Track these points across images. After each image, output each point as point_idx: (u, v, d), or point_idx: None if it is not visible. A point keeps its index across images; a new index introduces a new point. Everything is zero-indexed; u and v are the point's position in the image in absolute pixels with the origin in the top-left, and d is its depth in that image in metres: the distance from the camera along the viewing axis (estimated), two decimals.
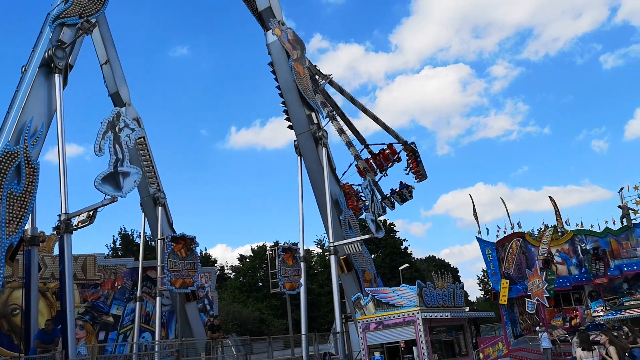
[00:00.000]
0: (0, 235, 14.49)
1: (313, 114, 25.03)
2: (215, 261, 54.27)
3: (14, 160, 15.17)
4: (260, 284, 52.84)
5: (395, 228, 59.06)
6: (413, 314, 20.18)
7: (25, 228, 16.19)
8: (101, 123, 14.95)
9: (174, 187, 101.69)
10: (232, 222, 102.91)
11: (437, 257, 73.14)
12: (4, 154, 15.04)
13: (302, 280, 23.04)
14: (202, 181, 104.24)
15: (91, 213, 15.66)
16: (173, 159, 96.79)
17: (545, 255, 31.78)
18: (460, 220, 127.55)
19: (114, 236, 48.97)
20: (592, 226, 34.54)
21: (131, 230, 48.87)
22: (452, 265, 69.90)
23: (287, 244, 27.65)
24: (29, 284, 16.53)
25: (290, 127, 25.61)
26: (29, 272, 16.70)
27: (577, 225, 35.13)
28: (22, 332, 18.09)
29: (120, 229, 49.15)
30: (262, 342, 22.39)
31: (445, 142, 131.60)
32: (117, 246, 48.01)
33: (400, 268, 46.51)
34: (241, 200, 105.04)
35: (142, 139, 25.78)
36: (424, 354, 19.78)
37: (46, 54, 16.78)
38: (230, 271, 59.71)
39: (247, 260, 57.05)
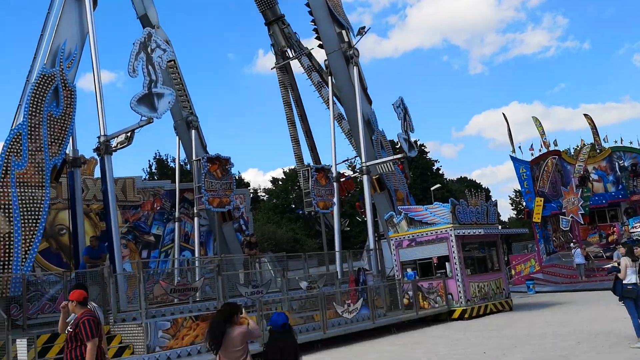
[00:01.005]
0: (44, 156, 14.95)
1: (344, 32, 24.49)
2: (248, 184, 55.22)
3: (51, 83, 15.39)
4: (293, 206, 53.80)
5: (426, 149, 58.78)
6: (446, 231, 20.45)
7: (67, 151, 16.64)
8: (133, 44, 14.95)
9: (204, 111, 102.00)
10: (263, 147, 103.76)
11: (468, 178, 72.93)
12: (41, 76, 15.26)
13: (335, 199, 23.37)
14: (232, 106, 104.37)
15: (129, 134, 15.95)
16: (202, 84, 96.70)
17: (582, 172, 31.43)
18: (492, 141, 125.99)
19: (149, 161, 50.13)
20: (631, 143, 33.81)
21: (165, 155, 49.83)
22: (484, 186, 69.68)
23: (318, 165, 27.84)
24: (74, 203, 17.18)
25: (320, 46, 25.17)
26: (74, 192, 17.32)
27: (615, 142, 34.39)
28: (70, 251, 19.01)
29: (155, 153, 50.16)
30: (297, 260, 23.06)
31: (478, 61, 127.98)
32: (153, 170, 49.13)
33: (432, 189, 46.66)
34: (271, 125, 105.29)
35: (172, 62, 25.70)
36: (456, 269, 20.19)
37: None
38: (264, 194, 60.80)
39: (280, 182, 57.87)
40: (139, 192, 27.40)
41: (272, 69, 31.21)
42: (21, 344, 10.99)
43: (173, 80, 26.18)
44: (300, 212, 30.32)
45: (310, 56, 28.53)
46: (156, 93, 15.10)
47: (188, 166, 36.52)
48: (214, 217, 23.73)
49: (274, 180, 59.38)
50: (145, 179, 44.84)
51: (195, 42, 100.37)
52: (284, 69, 31.07)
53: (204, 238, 27.42)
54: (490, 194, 67.89)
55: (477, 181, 73.33)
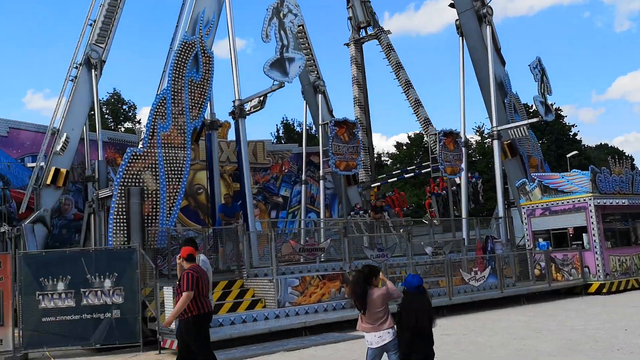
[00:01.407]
0: (185, 119, 15.97)
1: None
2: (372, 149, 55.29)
3: (192, 50, 16.31)
4: (417, 171, 53.14)
5: (562, 113, 55.12)
6: (585, 200, 19.22)
7: (205, 114, 17.61)
8: (267, 9, 15.33)
9: (329, 75, 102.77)
10: (386, 111, 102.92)
11: (609, 145, 67.62)
12: (183, 44, 16.20)
13: (463, 165, 22.76)
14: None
15: (261, 98, 16.54)
16: (324, 49, 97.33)
17: None
18: (638, 105, 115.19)
19: (277, 125, 51.80)
20: None
21: (292, 119, 51.15)
22: (627, 154, 64.29)
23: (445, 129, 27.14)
24: (212, 163, 18.24)
25: (451, 5, 24.25)
26: (211, 154, 18.38)
27: None
28: (208, 209, 20.30)
29: (282, 118, 51.69)
30: (423, 226, 22.87)
31: (625, 17, 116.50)
32: (280, 134, 50.72)
33: (568, 155, 43.83)
34: (394, 89, 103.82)
35: (301, 27, 26.09)
36: (595, 241, 18.97)
37: None
38: (387, 158, 60.63)
39: (404, 147, 57.33)
40: (269, 155, 28.52)
41: (345, 44, 31.23)
42: (167, 291, 12.01)
43: (301, 45, 26.63)
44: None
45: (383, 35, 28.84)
46: (287, 58, 15.45)
47: (314, 130, 37.25)
48: (339, 180, 24.09)
49: (398, 145, 58.92)
50: (273, 142, 46.59)
51: (319, 6, 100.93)
52: (359, 45, 31.00)
53: (329, 201, 28.01)
54: (635, 162, 62.53)
55: (620, 148, 67.83)
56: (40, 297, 11.93)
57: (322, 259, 16.96)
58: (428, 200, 26.35)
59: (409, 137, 57.24)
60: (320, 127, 24.53)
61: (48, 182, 19.60)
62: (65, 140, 19.97)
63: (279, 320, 13.44)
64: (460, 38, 24.37)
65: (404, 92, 30.17)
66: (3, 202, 22.22)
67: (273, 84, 15.76)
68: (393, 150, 60.46)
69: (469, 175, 24.53)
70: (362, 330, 6.46)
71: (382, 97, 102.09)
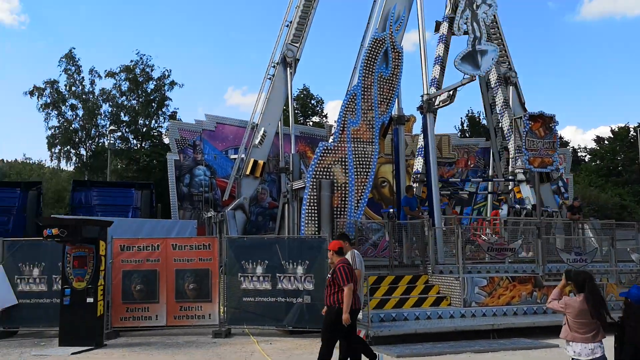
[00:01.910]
0: (374, 115, 16.28)
1: None
2: (566, 143, 51.36)
3: (382, 46, 16.54)
4: (620, 168, 48.24)
5: None
6: None
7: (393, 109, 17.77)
8: (459, 2, 14.95)
9: (521, 66, 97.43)
10: (583, 102, 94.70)
11: None
12: (374, 40, 16.49)
13: None
14: (550, 58, 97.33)
15: (451, 92, 16.22)
16: (519, 37, 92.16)
17: None
18: None
19: (461, 118, 50.41)
20: None
21: (477, 112, 49.41)
22: None
23: None
24: (398, 158, 18.37)
25: None
26: (398, 148, 18.51)
27: None
28: (394, 202, 20.49)
29: (468, 111, 50.15)
30: (627, 229, 20.68)
31: None
32: (465, 128, 49.32)
33: None
34: (594, 78, 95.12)
35: (492, 17, 25.05)
36: None
37: None
38: (584, 154, 55.85)
39: (606, 142, 52.30)
40: (454, 149, 27.99)
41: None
42: None
43: (492, 35, 25.56)
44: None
45: None
46: (480, 50, 14.94)
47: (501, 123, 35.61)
48: (534, 177, 22.75)
49: (599, 140, 53.90)
50: (458, 136, 45.58)
51: None
52: None
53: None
54: None
55: None
56: (242, 278, 13.01)
57: (511, 260, 16.20)
58: None
59: (612, 131, 52.06)
60: (513, 120, 23.36)
61: (247, 172, 21.38)
62: (262, 134, 21.59)
63: (465, 320, 13.13)
64: None
65: None
66: (210, 189, 24.75)
67: (464, 77, 15.35)
68: (592, 145, 55.47)
69: None
70: (571, 340, 6.04)
71: (578, 84, 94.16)
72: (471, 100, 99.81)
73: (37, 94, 37.43)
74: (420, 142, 22.16)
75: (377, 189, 27.87)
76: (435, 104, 16.91)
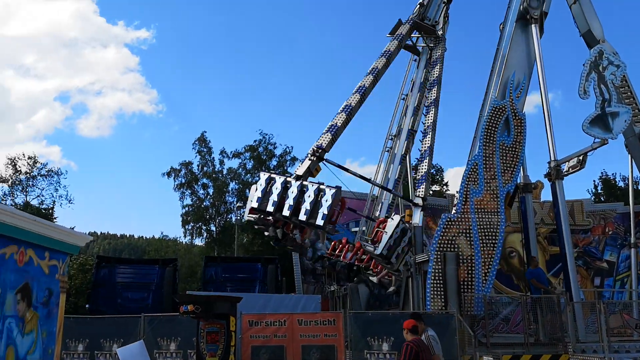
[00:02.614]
0: (497, 184, 15.82)
1: None
2: None
3: (502, 114, 16.26)
4: None
5: None
6: None
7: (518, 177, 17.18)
8: (583, 65, 14.50)
9: None
10: None
11: None
12: (493, 109, 16.27)
13: None
14: None
15: (581, 158, 15.44)
16: None
17: None
18: None
19: (594, 181, 47.29)
20: None
21: (612, 174, 46.22)
22: None
23: None
24: (527, 227, 17.55)
25: None
26: (525, 217, 17.73)
27: None
28: (522, 273, 19.45)
29: (601, 173, 47.06)
30: None
31: None
32: (599, 191, 46.17)
33: None
34: None
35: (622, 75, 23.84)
36: None
37: (521, 6, 17.24)
38: None
39: None
40: (588, 215, 26.20)
41: None
42: None
43: (622, 94, 24.25)
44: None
45: None
46: (610, 112, 14.24)
47: None
48: None
49: None
50: (592, 201, 42.75)
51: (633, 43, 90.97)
52: None
53: None
54: None
55: None
56: (368, 355, 12.80)
57: None
58: None
59: None
60: None
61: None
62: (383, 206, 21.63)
63: None
64: None
65: None
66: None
67: (594, 142, 14.61)
68: None
69: None
70: None
71: None
72: (604, 160, 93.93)
73: (173, 174, 40.67)
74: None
75: (505, 260, 26.55)
76: (564, 170, 16.14)
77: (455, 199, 18.80)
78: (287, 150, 40.68)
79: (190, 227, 40.58)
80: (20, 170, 37.16)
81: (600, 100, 14.29)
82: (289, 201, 13.04)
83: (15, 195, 36.94)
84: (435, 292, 14.73)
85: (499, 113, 16.31)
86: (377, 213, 21.82)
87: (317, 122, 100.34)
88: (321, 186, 13.15)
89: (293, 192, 13.11)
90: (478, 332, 15.76)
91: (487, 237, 15.48)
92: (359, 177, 15.48)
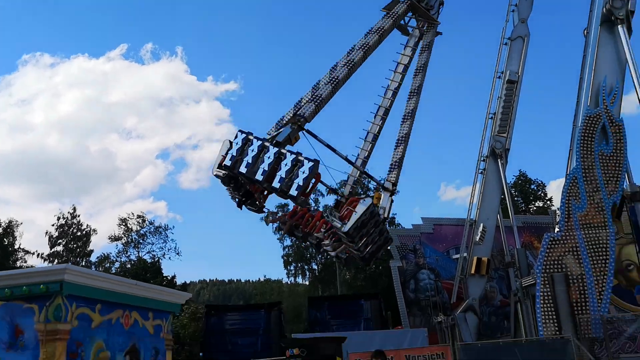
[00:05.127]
0: (602, 196, 14.95)
1: None
2: None
3: (597, 122, 15.47)
4: None
5: None
6: None
7: (624, 186, 16.16)
8: None
9: None
10: None
11: None
12: (587, 118, 15.52)
13: None
14: None
15: None
16: None
17: None
18: None
19: None
20: None
21: None
22: None
23: None
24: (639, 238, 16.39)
25: None
26: (637, 226, 16.56)
27: None
28: None
29: None
30: None
31: None
32: None
33: None
34: None
35: None
36: None
37: (604, 9, 16.47)
38: None
39: None
40: None
41: None
42: None
43: None
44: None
45: None
46: None
47: None
48: None
49: None
50: None
51: None
52: None
53: None
54: None
55: None
56: None
57: None
58: None
59: None
60: None
61: (472, 271, 20.71)
62: (482, 230, 21.02)
63: None
64: None
65: None
66: (436, 293, 24.42)
67: None
68: None
69: None
70: None
71: None
72: None
73: (271, 217, 41.72)
74: None
75: (622, 274, 24.78)
76: None
77: (557, 216, 17.92)
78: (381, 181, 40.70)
79: (292, 268, 41.26)
80: (131, 229, 39.70)
81: None
82: (264, 165, 12.40)
83: (129, 253, 39.39)
84: (547, 317, 13.99)
85: (594, 122, 15.53)
86: (477, 238, 21.23)
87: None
88: (299, 157, 12.37)
89: (269, 157, 12.36)
90: (601, 355, 14.72)
91: (596, 253, 14.60)
92: (339, 156, 14.32)
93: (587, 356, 12.30)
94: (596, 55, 16.27)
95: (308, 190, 12.54)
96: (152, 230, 39.63)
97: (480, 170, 21.96)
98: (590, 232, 14.74)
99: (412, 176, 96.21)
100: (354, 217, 12.29)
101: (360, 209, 12.34)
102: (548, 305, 14.07)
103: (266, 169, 12.26)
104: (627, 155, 15.85)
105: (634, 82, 16.12)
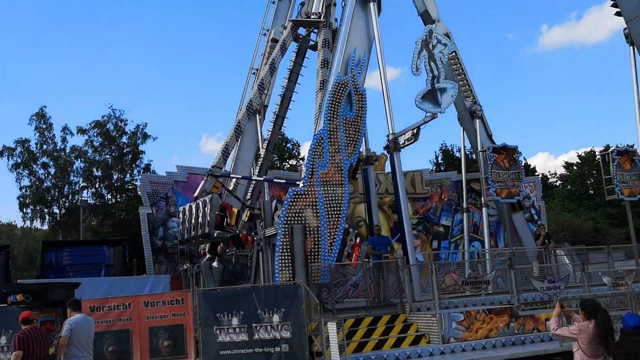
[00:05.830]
0: (342, 157, 16.45)
1: None
2: (534, 170, 52.18)
3: (345, 90, 16.84)
4: (592, 192, 49.10)
5: None
6: None
7: (361, 150, 18.00)
8: (415, 43, 15.42)
9: (487, 98, 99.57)
10: (551, 130, 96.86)
11: None
12: (336, 84, 16.80)
13: None
14: (515, 90, 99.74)
15: (414, 131, 16.52)
16: (483, 70, 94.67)
17: None
18: None
19: (435, 152, 51.15)
20: None
21: (451, 145, 50.20)
22: None
23: (620, 146, 24.84)
24: (369, 197, 18.51)
25: (617, 14, 22.39)
26: (368, 188, 18.67)
27: None
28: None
29: (441, 144, 50.94)
30: (600, 253, 20.94)
31: None
32: (439, 161, 49.97)
33: None
34: (559, 106, 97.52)
35: (454, 53, 25.63)
36: None
37: None
38: (556, 180, 56.82)
39: (574, 167, 53.36)
40: (427, 184, 28.24)
41: None
42: (331, 327, 12.27)
43: (455, 71, 26.17)
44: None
45: None
46: (439, 88, 15.33)
47: (474, 155, 36.19)
48: (502, 207, 23.04)
49: (567, 165, 54.99)
50: (432, 170, 46.08)
51: (475, 28, 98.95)
52: None
53: (494, 228, 26.88)
54: None
55: None
56: (217, 331, 12.80)
57: (489, 291, 16.26)
58: None
59: (578, 155, 53.21)
60: (479, 153, 23.77)
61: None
62: (235, 182, 21.57)
63: (445, 357, 13.08)
64: (631, 47, 22.33)
65: None
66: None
67: (425, 116, 15.70)
68: (562, 170, 56.54)
69: None
70: None
71: (550, 113, 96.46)
72: (445, 132, 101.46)
73: (7, 154, 37.16)
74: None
75: (355, 229, 27.87)
76: (401, 142, 17.18)
77: (302, 172, 19.27)
78: (139, 126, 38.91)
79: (29, 211, 37.48)
80: None
81: (431, 77, 15.34)
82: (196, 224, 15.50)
83: None
84: (284, 264, 15.06)
85: (341, 88, 16.86)
86: (230, 188, 21.75)
87: (171, 98, 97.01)
88: (206, 199, 15.13)
89: (193, 214, 15.37)
90: (328, 299, 16.39)
91: (332, 209, 16.07)
92: (242, 178, 18.98)
93: (313, 300, 13.57)
94: (349, 28, 17.62)
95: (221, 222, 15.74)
96: None
97: (237, 124, 22.38)
98: (328, 189, 16.14)
99: (173, 125, 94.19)
100: None
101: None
102: (286, 254, 15.15)
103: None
104: (366, 123, 17.65)
105: (378, 59, 17.93)
